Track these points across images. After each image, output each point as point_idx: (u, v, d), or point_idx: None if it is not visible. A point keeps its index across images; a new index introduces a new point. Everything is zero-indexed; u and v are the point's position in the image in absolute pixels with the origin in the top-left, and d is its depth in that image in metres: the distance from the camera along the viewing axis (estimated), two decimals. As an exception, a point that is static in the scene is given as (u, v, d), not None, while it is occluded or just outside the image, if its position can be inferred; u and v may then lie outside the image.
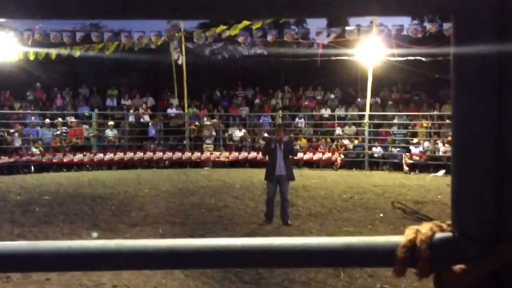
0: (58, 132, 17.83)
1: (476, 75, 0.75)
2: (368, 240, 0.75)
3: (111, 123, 18.56)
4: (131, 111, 19.72)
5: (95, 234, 7.70)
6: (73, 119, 18.69)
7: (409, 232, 0.76)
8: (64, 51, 17.65)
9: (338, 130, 18.93)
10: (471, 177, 0.76)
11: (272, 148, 8.39)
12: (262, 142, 18.56)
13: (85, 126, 18.69)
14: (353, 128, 18.88)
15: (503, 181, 0.76)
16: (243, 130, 19.15)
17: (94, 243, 0.75)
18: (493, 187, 0.75)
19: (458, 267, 0.75)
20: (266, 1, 0.73)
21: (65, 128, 18.18)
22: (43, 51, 17.34)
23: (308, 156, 17.69)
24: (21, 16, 0.76)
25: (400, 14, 0.75)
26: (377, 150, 17.87)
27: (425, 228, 0.77)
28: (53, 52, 17.47)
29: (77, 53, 17.59)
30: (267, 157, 8.73)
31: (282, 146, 8.33)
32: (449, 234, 0.77)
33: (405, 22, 18.51)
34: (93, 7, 0.73)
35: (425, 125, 18.06)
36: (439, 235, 0.77)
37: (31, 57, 17.36)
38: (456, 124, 0.77)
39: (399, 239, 0.76)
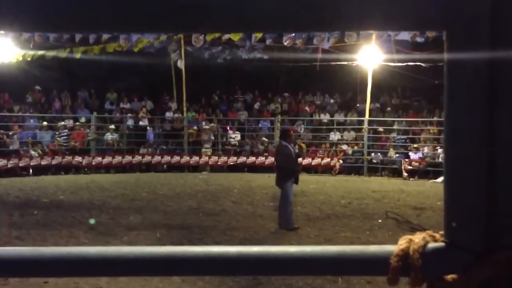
0: (59, 138, 17.81)
1: (469, 86, 0.76)
2: (361, 249, 0.77)
3: (111, 126, 18.58)
4: (130, 114, 19.74)
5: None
6: (71, 122, 18.70)
7: (402, 242, 0.77)
8: (63, 54, 17.65)
9: (333, 136, 18.95)
10: (463, 187, 0.77)
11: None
12: (261, 146, 18.57)
13: (87, 130, 18.71)
14: (352, 133, 18.89)
15: (495, 192, 0.77)
16: (238, 133, 19.21)
17: (94, 249, 0.76)
18: (485, 198, 0.77)
19: (450, 276, 0.76)
20: (271, 15, 0.74)
21: (66, 131, 18.17)
22: (42, 53, 17.35)
23: (307, 161, 17.68)
24: (17, 29, 0.78)
25: (393, 29, 0.76)
26: (376, 156, 17.88)
27: (418, 237, 0.78)
28: (52, 53, 17.46)
29: (78, 55, 17.59)
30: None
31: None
32: (442, 244, 0.79)
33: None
34: (86, 21, 0.74)
35: (430, 131, 18.10)
36: (431, 244, 0.78)
37: (31, 60, 17.37)
38: (448, 134, 0.79)
39: (392, 248, 0.77)
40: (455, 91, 0.77)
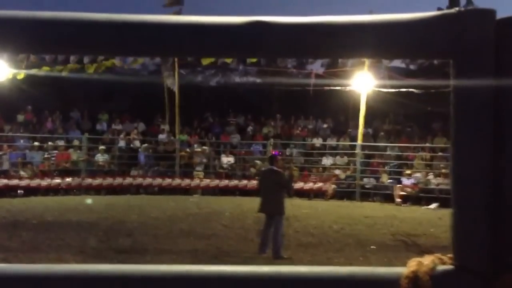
0: (47, 156, 17.68)
1: (476, 114, 0.77)
2: (371, 270, 0.76)
3: (102, 147, 18.48)
4: (122, 136, 19.67)
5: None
6: (62, 143, 18.58)
7: (412, 264, 0.77)
8: (54, 72, 17.60)
9: (325, 160, 18.98)
10: (471, 212, 0.77)
11: None
12: (252, 170, 18.51)
13: (78, 151, 18.58)
14: (345, 158, 18.94)
15: (501, 216, 0.77)
16: (231, 156, 19.17)
17: (110, 267, 0.75)
18: (492, 222, 0.77)
19: (459, 299, 0.76)
20: (264, 41, 0.74)
21: (55, 151, 18.04)
22: (34, 72, 17.28)
23: (299, 185, 17.63)
24: (13, 50, 0.78)
25: (401, 57, 0.78)
26: (369, 181, 17.90)
27: (427, 260, 0.78)
28: (44, 72, 17.41)
29: (65, 72, 17.52)
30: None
31: None
32: (450, 266, 0.79)
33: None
34: (84, 43, 0.75)
35: (423, 157, 18.19)
36: (440, 267, 0.78)
37: (23, 79, 17.31)
38: (455, 160, 0.79)
39: (402, 270, 0.77)
40: (462, 119, 0.78)
